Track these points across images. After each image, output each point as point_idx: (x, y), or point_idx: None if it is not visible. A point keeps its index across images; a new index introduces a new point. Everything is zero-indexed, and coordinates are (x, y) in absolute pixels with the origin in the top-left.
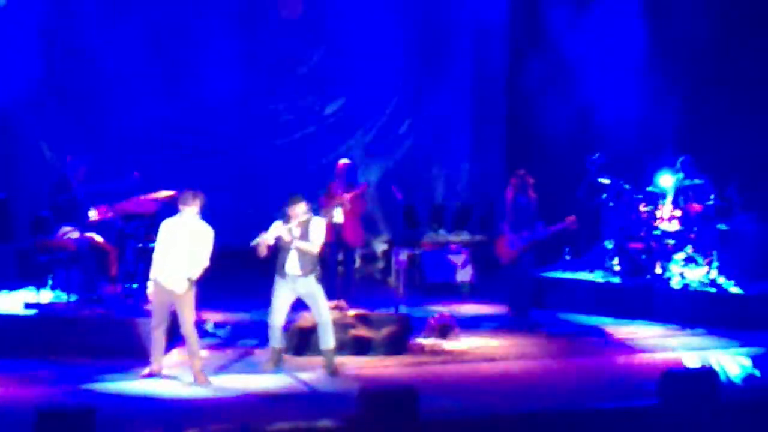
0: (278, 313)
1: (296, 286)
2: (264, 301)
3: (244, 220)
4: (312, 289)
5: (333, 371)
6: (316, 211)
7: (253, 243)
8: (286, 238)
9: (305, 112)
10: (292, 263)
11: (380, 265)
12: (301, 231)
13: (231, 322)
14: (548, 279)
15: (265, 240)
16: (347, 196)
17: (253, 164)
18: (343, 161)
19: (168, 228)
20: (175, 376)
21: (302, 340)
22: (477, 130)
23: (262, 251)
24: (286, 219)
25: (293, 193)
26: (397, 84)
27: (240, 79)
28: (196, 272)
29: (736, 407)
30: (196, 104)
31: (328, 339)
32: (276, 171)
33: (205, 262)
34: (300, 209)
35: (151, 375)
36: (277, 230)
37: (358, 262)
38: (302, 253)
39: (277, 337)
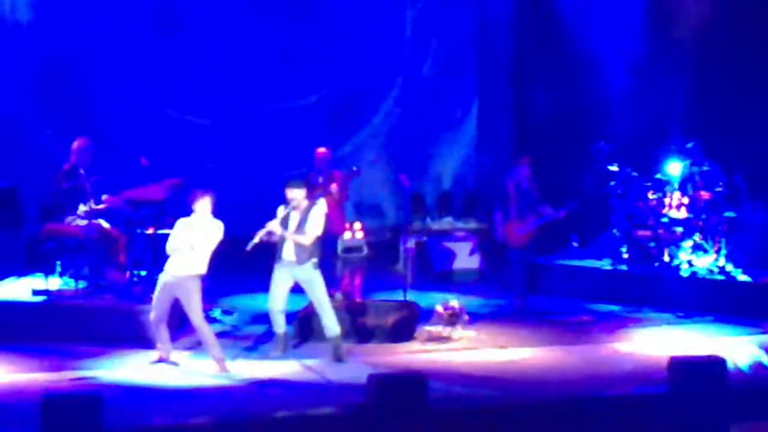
0: (277, 298)
1: (293, 272)
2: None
3: (251, 207)
4: (309, 276)
5: (339, 357)
6: None
7: (250, 246)
8: (278, 232)
9: (311, 101)
10: (288, 250)
11: (363, 254)
12: (300, 218)
13: (238, 308)
14: (557, 266)
15: (259, 237)
16: (335, 185)
17: (261, 153)
18: (322, 150)
19: (184, 226)
20: (182, 363)
21: (309, 327)
22: (484, 117)
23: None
24: (287, 203)
25: (292, 177)
26: (404, 72)
27: (247, 67)
28: (201, 248)
29: (744, 394)
30: (203, 90)
31: (331, 325)
32: (284, 158)
33: (208, 252)
34: (297, 194)
35: (158, 361)
36: (268, 226)
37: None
38: (296, 239)
39: (279, 322)
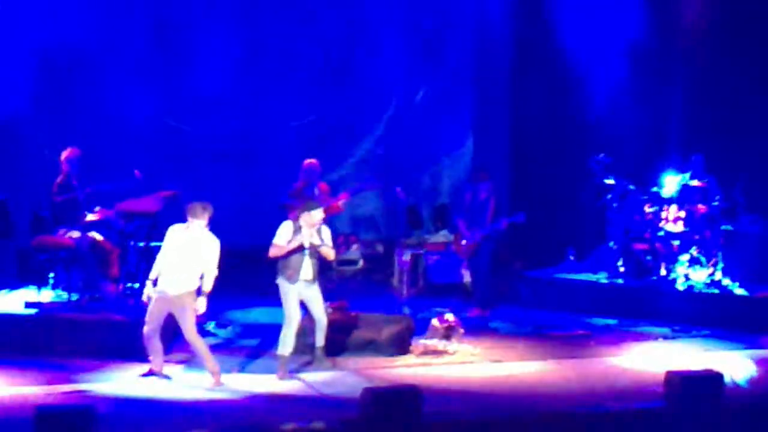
0: (297, 320)
1: (304, 290)
2: (265, 300)
3: (244, 219)
4: (317, 292)
5: (326, 366)
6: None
7: (277, 252)
8: (317, 242)
9: (306, 109)
10: (306, 269)
11: (358, 267)
12: (313, 234)
13: (233, 321)
14: (553, 279)
15: (293, 246)
16: (342, 199)
17: (255, 162)
18: (311, 161)
19: (176, 236)
20: (175, 376)
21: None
22: (480, 132)
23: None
24: (296, 224)
25: (311, 200)
26: (400, 83)
27: (244, 76)
28: (209, 284)
29: (740, 409)
30: (198, 103)
31: (321, 338)
32: (278, 169)
33: (215, 272)
34: (319, 216)
35: (150, 374)
36: (303, 238)
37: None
38: (315, 259)
39: (291, 344)
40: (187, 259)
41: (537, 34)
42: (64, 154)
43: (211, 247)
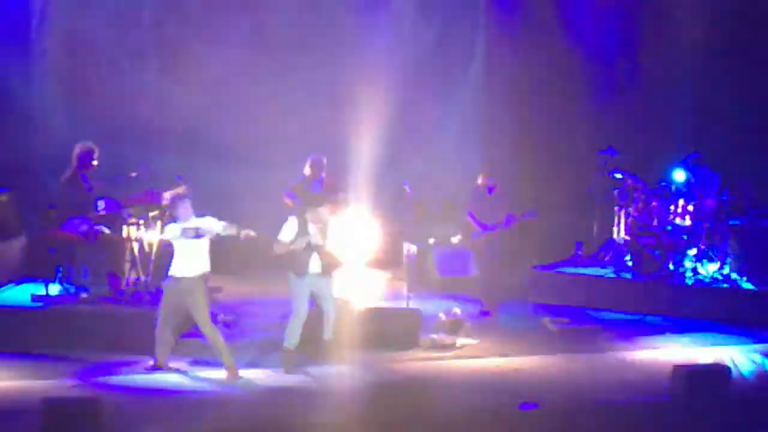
0: (303, 314)
1: (316, 284)
2: (275, 293)
3: (251, 213)
4: (328, 285)
5: (333, 360)
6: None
7: (282, 250)
8: (320, 242)
9: (306, 99)
10: (314, 263)
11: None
12: (323, 230)
13: (240, 315)
14: (561, 274)
15: (298, 246)
16: (346, 196)
17: (260, 156)
18: (318, 157)
19: (170, 230)
20: (182, 370)
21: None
22: (487, 126)
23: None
24: (302, 220)
25: (318, 196)
26: (400, 81)
27: (245, 64)
28: (238, 229)
29: (748, 403)
30: (202, 95)
31: (330, 331)
32: (282, 160)
33: (223, 224)
34: (326, 214)
35: (154, 368)
36: (310, 236)
37: None
38: (324, 253)
39: (299, 338)
40: (192, 248)
41: (545, 30)
42: (75, 150)
43: (203, 220)
